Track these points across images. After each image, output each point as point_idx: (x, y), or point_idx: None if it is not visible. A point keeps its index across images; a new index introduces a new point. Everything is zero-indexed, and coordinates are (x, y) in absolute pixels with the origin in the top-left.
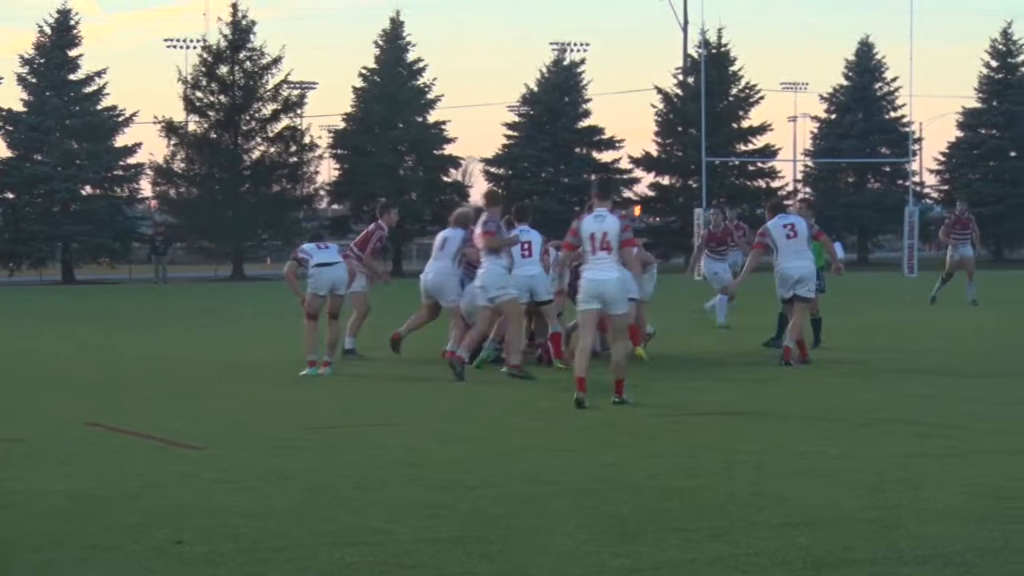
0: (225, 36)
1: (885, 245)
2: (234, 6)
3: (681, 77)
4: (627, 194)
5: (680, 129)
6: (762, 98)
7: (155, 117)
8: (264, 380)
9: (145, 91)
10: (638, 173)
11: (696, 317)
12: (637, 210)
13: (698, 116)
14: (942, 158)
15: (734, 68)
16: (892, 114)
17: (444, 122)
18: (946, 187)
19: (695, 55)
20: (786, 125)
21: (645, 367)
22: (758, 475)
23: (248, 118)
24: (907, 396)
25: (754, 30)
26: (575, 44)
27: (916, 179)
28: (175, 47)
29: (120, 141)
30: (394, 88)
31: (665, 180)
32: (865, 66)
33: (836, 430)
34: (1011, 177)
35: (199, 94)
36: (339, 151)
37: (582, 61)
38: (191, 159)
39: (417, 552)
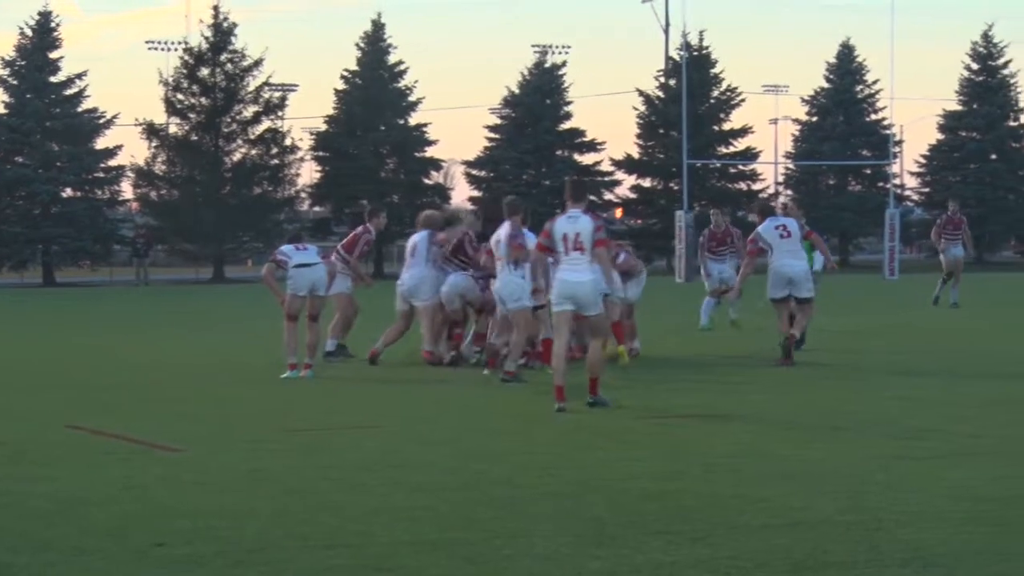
0: (206, 38)
1: (866, 248)
2: (215, 8)
3: (663, 80)
4: (608, 196)
5: (661, 131)
6: (743, 101)
7: (136, 119)
8: (244, 382)
9: (126, 93)
10: (619, 175)
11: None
12: (619, 212)
13: (679, 119)
14: (923, 161)
15: (715, 71)
16: (873, 116)
17: (426, 124)
18: (927, 190)
19: (676, 58)
20: (767, 128)
21: (623, 370)
22: (738, 478)
23: (229, 120)
24: (888, 398)
25: (735, 33)
26: (556, 46)
27: (897, 182)
28: (156, 49)
29: (101, 143)
30: (376, 90)
31: (646, 182)
32: (846, 69)
33: (816, 433)
34: (992, 180)
35: (180, 96)
36: (320, 153)
37: (563, 63)
38: (172, 161)
39: (397, 554)
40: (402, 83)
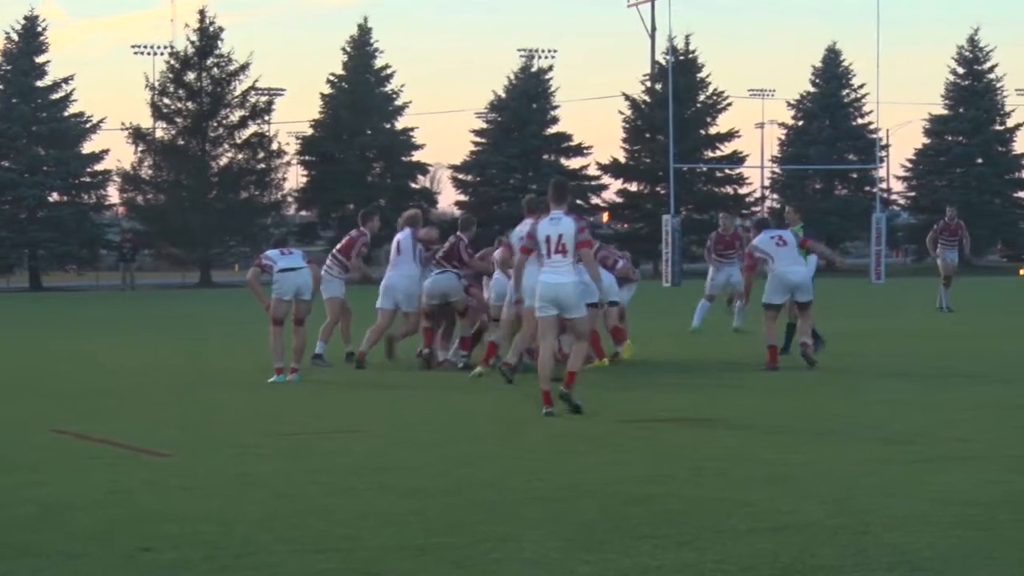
0: (192, 42)
1: (852, 252)
2: (201, 12)
3: (649, 84)
4: (595, 201)
5: (648, 136)
6: (730, 105)
7: (122, 124)
8: (231, 386)
9: (112, 98)
10: (606, 180)
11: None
12: (605, 217)
13: (666, 123)
14: (909, 165)
15: (702, 75)
16: (859, 121)
17: (412, 129)
18: (913, 194)
19: (663, 62)
20: (753, 132)
21: (610, 373)
22: (725, 482)
23: (216, 124)
24: (874, 402)
25: (722, 37)
26: (543, 51)
27: (883, 186)
28: (142, 53)
29: (87, 148)
30: (362, 94)
31: (633, 187)
32: (832, 73)
33: (803, 436)
34: (978, 184)
35: (166, 100)
36: (307, 157)
37: (550, 68)
38: (158, 166)
39: (385, 559)
40: (388, 87)
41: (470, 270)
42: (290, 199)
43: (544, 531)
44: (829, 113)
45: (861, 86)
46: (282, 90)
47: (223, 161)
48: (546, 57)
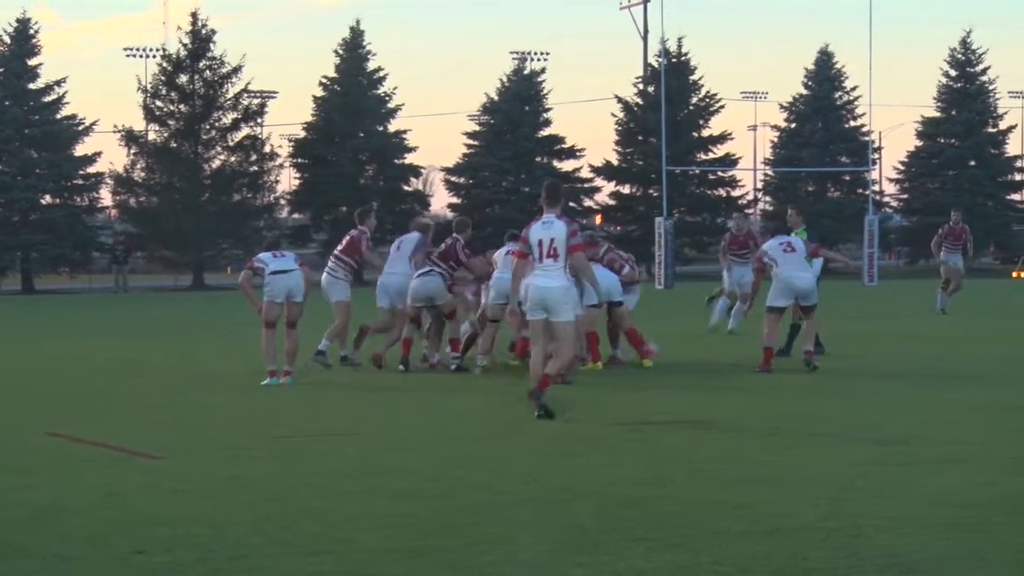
0: (185, 45)
1: (845, 254)
2: (194, 15)
3: (641, 86)
4: (588, 203)
5: (640, 138)
6: (722, 107)
7: (115, 126)
8: (224, 389)
9: (105, 100)
10: (599, 182)
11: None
12: (598, 219)
13: (658, 125)
14: (902, 167)
15: (694, 77)
16: (852, 123)
17: (405, 131)
18: (906, 196)
19: (655, 64)
20: (746, 134)
21: (604, 375)
22: (719, 484)
23: (208, 127)
24: (868, 404)
25: (714, 40)
26: (535, 53)
27: (876, 188)
28: (135, 56)
29: (80, 150)
30: (354, 97)
31: (626, 189)
32: (825, 75)
33: (797, 439)
34: (970, 186)
35: (159, 103)
36: (299, 160)
37: (542, 70)
38: (151, 168)
39: (379, 561)
40: (381, 90)
41: (468, 271)
42: (283, 202)
43: (537, 533)
44: (822, 115)
45: (854, 88)
46: (275, 93)
47: (216, 163)
48: (539, 59)
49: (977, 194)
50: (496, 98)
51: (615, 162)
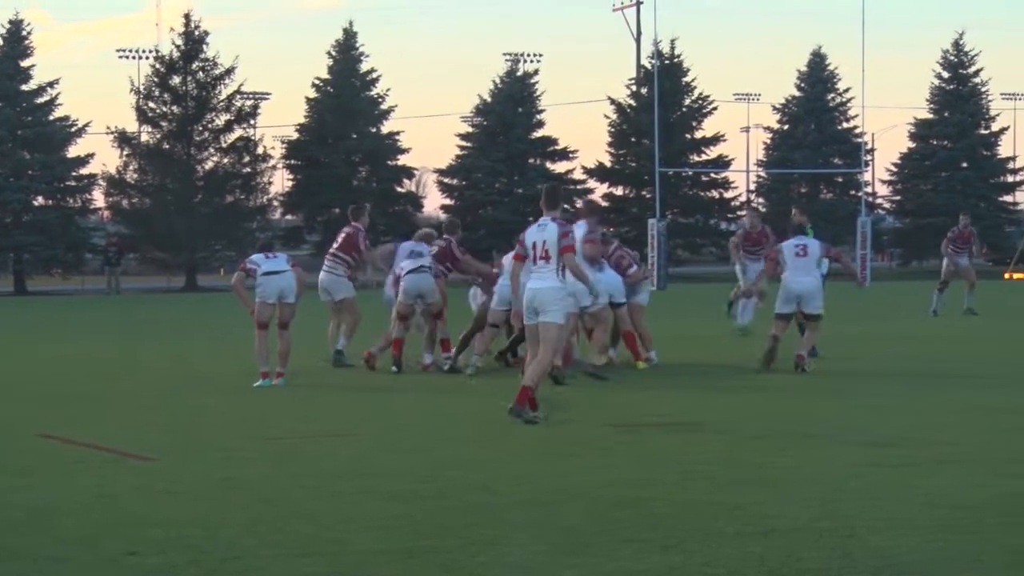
0: (178, 46)
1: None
2: (187, 16)
3: (634, 88)
4: (580, 205)
5: (633, 140)
6: (715, 109)
7: (108, 128)
8: (217, 391)
9: (98, 102)
10: (592, 184)
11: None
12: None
13: (651, 127)
14: (894, 169)
15: (687, 79)
16: (844, 125)
17: (398, 133)
18: (898, 198)
19: (648, 66)
20: (739, 136)
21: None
22: (711, 485)
23: (201, 128)
24: (861, 406)
25: (707, 41)
26: (528, 55)
27: (868, 190)
28: (127, 57)
29: (73, 151)
30: (347, 98)
31: (619, 191)
32: (817, 77)
33: (790, 440)
34: (963, 188)
35: (152, 104)
36: (292, 162)
37: (535, 72)
38: (144, 170)
39: (372, 563)
40: (374, 91)
41: (466, 270)
42: (275, 203)
43: (531, 535)
44: (814, 117)
45: (846, 90)
46: (268, 94)
47: (208, 165)
48: (532, 61)
49: (969, 196)
50: (489, 100)
51: (608, 164)
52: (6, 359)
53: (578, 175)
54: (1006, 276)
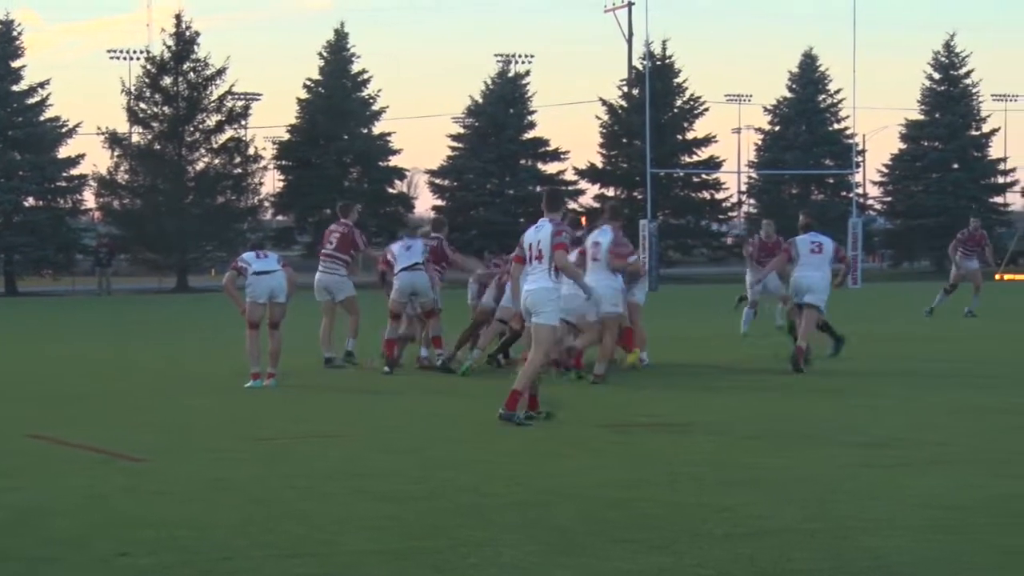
0: (169, 47)
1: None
2: (178, 17)
3: (626, 89)
4: (572, 205)
5: (625, 141)
6: (706, 110)
7: (99, 128)
8: (208, 391)
9: (88, 102)
10: (583, 185)
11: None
12: (582, 221)
13: (643, 128)
14: (885, 170)
15: (678, 80)
16: (835, 126)
17: (389, 133)
18: (889, 199)
19: (639, 67)
20: (730, 137)
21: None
22: (702, 486)
23: (192, 129)
24: (852, 407)
25: (698, 42)
26: (520, 56)
27: (859, 191)
28: (118, 58)
29: (63, 152)
30: (339, 99)
31: (610, 192)
32: (808, 78)
33: (782, 441)
34: (953, 189)
35: (143, 105)
36: (284, 162)
37: (527, 73)
38: (135, 170)
39: (363, 563)
40: (365, 92)
41: (459, 268)
42: (267, 204)
43: (522, 535)
44: (806, 118)
45: (838, 91)
46: (259, 95)
47: (199, 166)
48: (523, 62)
49: (960, 197)
50: (480, 100)
51: (599, 164)
52: None
53: (569, 176)
54: (997, 277)
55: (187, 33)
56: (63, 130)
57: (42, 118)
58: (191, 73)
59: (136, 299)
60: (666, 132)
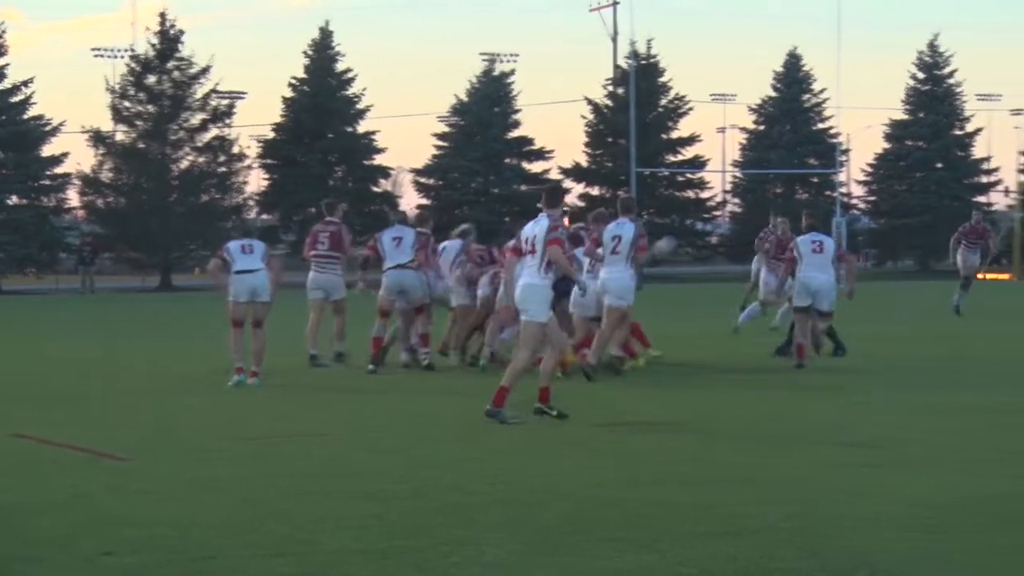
0: (153, 45)
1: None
2: (162, 15)
3: (611, 88)
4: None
5: (610, 140)
6: (691, 109)
7: (83, 127)
8: (192, 391)
9: (73, 101)
10: (568, 184)
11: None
12: (566, 221)
13: (627, 127)
14: (869, 169)
15: (663, 79)
16: (820, 125)
17: (374, 132)
18: (873, 198)
19: (625, 66)
20: (715, 136)
21: (574, 377)
22: (686, 485)
23: (176, 128)
24: (835, 406)
25: (683, 42)
26: (505, 55)
27: (844, 190)
28: (103, 56)
29: (47, 151)
30: (324, 98)
31: (595, 191)
32: (793, 78)
33: (765, 440)
34: (937, 188)
35: (127, 104)
36: (268, 161)
37: (512, 72)
38: (119, 169)
39: (346, 562)
40: (350, 91)
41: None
42: (251, 203)
43: (505, 534)
44: (790, 118)
45: (822, 91)
46: (243, 93)
47: (184, 164)
48: (508, 61)
49: (944, 196)
50: (466, 99)
51: (584, 164)
52: None
53: (555, 175)
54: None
55: (171, 31)
56: (47, 128)
57: (26, 116)
58: (175, 71)
59: (120, 298)
60: (651, 131)
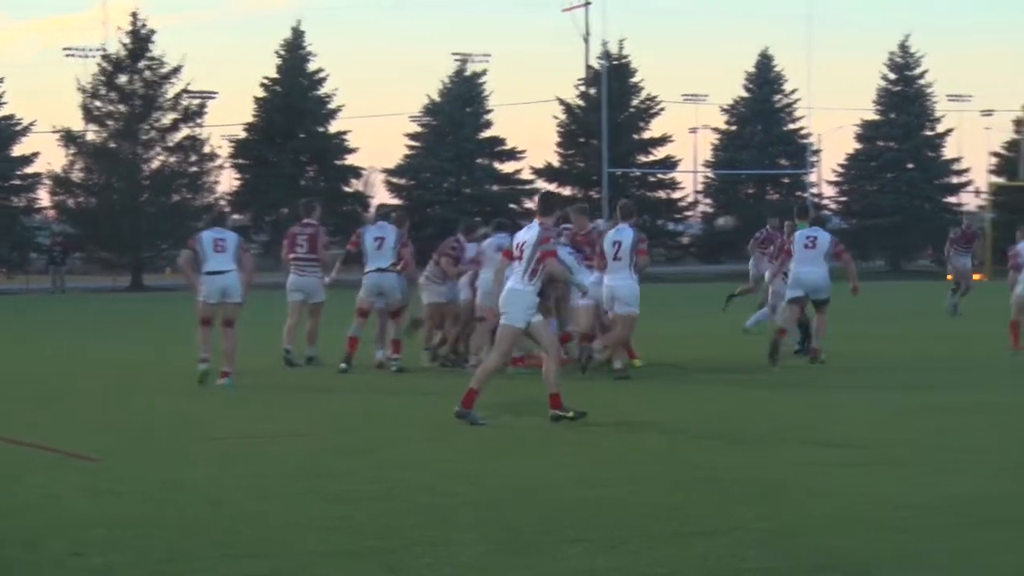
0: (124, 45)
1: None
2: (134, 15)
3: (583, 88)
4: (528, 205)
5: (582, 140)
6: (663, 110)
7: (53, 126)
8: (162, 391)
9: (43, 100)
10: (540, 184)
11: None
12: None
13: (599, 127)
14: (841, 170)
15: (635, 80)
16: (791, 126)
17: (346, 132)
18: (845, 199)
19: (597, 66)
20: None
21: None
22: (657, 485)
23: (148, 127)
24: (807, 406)
25: (655, 42)
26: (477, 55)
27: (815, 190)
28: (74, 56)
29: (17, 150)
30: (295, 98)
31: (567, 191)
32: (764, 78)
33: (736, 440)
34: (908, 189)
35: (98, 103)
36: (240, 161)
37: (484, 72)
38: (90, 169)
39: (317, 564)
40: (322, 91)
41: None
42: (222, 202)
43: (476, 535)
44: (762, 118)
45: (793, 91)
46: (215, 93)
47: (155, 164)
48: (480, 61)
49: (915, 197)
50: (438, 99)
51: (556, 164)
52: None
53: (526, 175)
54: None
55: (143, 31)
56: (17, 128)
57: None
58: (147, 71)
59: (90, 298)
60: (623, 132)
